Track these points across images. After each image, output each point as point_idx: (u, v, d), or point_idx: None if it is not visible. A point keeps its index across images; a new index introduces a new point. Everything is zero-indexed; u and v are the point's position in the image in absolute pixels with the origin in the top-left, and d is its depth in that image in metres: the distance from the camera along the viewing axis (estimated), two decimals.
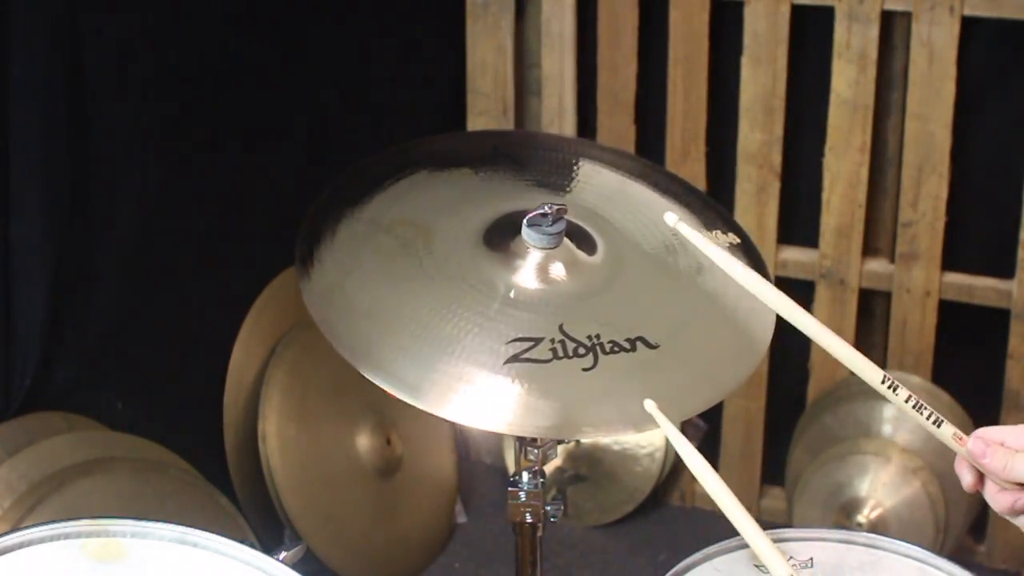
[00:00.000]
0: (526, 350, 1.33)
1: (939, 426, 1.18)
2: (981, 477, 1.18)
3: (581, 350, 1.34)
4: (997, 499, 1.17)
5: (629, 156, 1.72)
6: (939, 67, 2.52)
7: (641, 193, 1.58)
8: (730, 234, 1.54)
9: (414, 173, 1.54)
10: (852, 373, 1.24)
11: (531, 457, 1.49)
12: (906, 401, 1.19)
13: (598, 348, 1.35)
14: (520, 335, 1.34)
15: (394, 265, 1.41)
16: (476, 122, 2.90)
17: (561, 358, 1.33)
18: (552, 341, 1.34)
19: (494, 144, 1.64)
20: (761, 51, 2.63)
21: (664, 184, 1.60)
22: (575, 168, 1.59)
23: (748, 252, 1.53)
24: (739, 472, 2.89)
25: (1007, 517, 1.18)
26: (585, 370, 1.33)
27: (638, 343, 1.36)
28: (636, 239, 1.49)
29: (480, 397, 1.30)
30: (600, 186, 1.57)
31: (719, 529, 3.03)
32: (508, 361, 1.32)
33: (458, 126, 2.92)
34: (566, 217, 1.44)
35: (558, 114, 2.84)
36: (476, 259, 1.43)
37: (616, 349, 1.35)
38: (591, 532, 2.87)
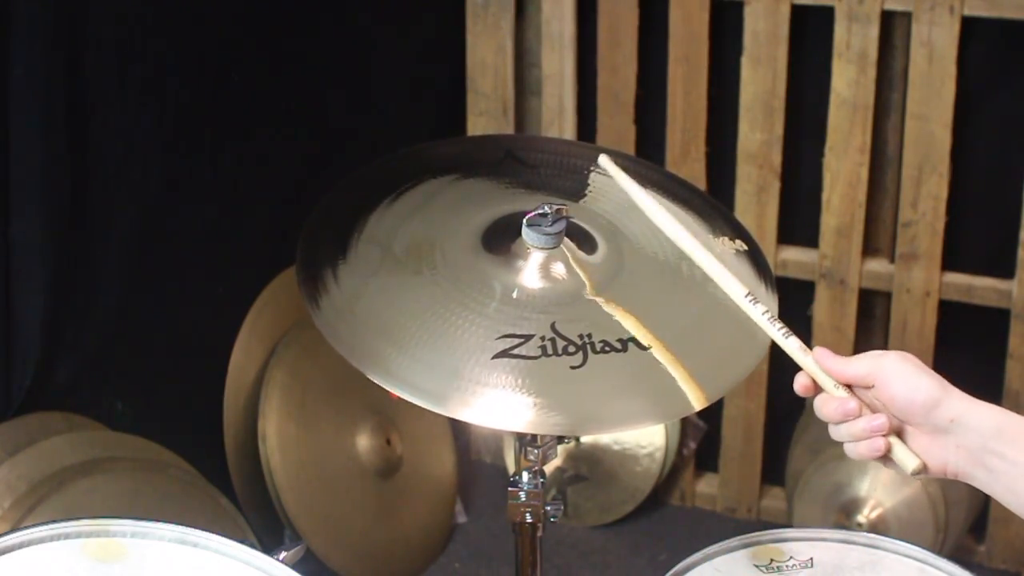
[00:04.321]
0: (515, 346, 1.34)
1: (787, 338, 1.31)
2: (814, 388, 1.29)
3: (571, 348, 1.35)
4: (825, 408, 1.27)
5: (636, 160, 1.72)
6: (939, 67, 2.52)
7: (652, 198, 1.58)
8: (738, 241, 1.54)
9: (420, 183, 1.54)
10: None
11: (531, 457, 1.49)
12: (763, 314, 1.33)
13: (588, 347, 1.36)
14: (510, 332, 1.35)
15: (405, 284, 1.41)
16: (476, 122, 2.90)
17: (550, 355, 1.34)
18: (542, 339, 1.35)
19: (506, 149, 1.65)
20: (761, 51, 2.63)
21: (673, 190, 1.61)
22: (588, 174, 1.59)
23: (755, 259, 1.53)
24: (739, 472, 2.89)
25: (833, 428, 1.28)
26: (573, 368, 1.34)
27: (629, 344, 1.37)
28: (648, 245, 1.49)
29: (484, 396, 1.31)
30: (613, 192, 1.57)
31: (719, 529, 3.05)
32: (496, 356, 1.33)
33: (458, 126, 2.92)
34: (570, 218, 1.44)
35: (558, 114, 2.84)
36: (480, 262, 1.43)
37: (607, 349, 1.36)
38: (591, 532, 2.87)
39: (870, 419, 1.24)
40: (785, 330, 1.32)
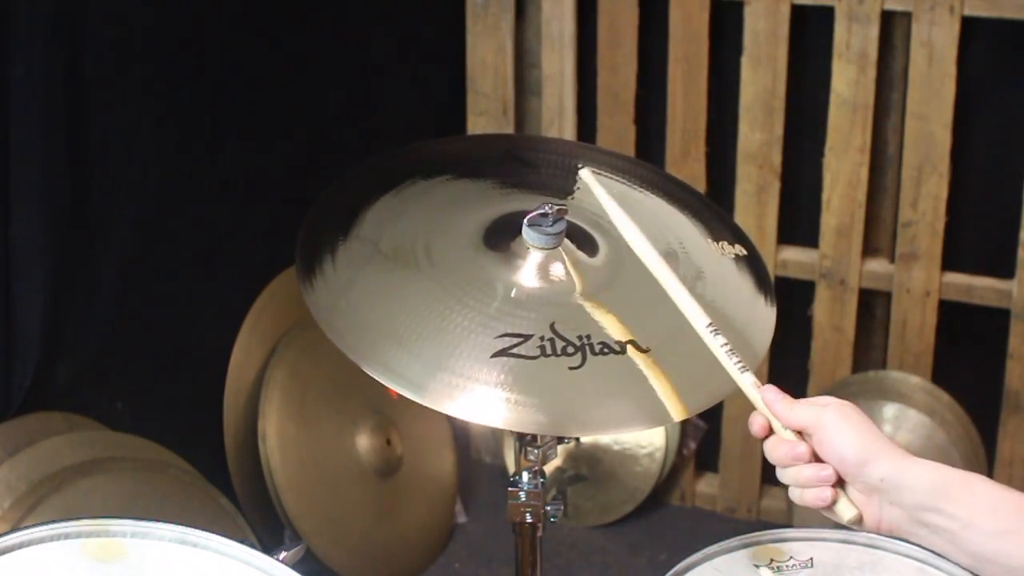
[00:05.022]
0: (514, 345, 1.34)
1: (743, 372, 1.30)
2: (770, 430, 1.28)
3: (570, 349, 1.35)
4: (776, 452, 1.26)
5: (637, 162, 1.72)
6: (939, 67, 2.52)
7: (648, 200, 1.58)
8: (737, 245, 1.54)
9: (420, 181, 1.55)
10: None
11: (531, 457, 1.49)
12: (721, 346, 1.31)
13: (587, 348, 1.36)
14: (509, 331, 1.35)
15: (405, 281, 1.41)
16: (476, 122, 2.90)
17: (549, 356, 1.34)
18: (541, 339, 1.35)
19: (507, 148, 1.65)
20: (761, 51, 2.63)
21: (673, 192, 1.61)
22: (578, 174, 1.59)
23: (754, 263, 1.53)
24: (739, 472, 2.89)
25: (780, 471, 1.27)
26: (572, 369, 1.34)
27: (628, 346, 1.37)
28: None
29: (478, 393, 1.31)
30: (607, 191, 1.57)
31: (719, 529, 3.05)
32: (495, 355, 1.33)
33: (458, 126, 2.92)
34: (568, 218, 1.44)
35: (558, 114, 2.84)
36: (479, 260, 1.44)
37: (605, 351, 1.35)
38: (591, 532, 2.87)
39: (818, 468, 1.24)
40: (742, 365, 1.31)
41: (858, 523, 1.24)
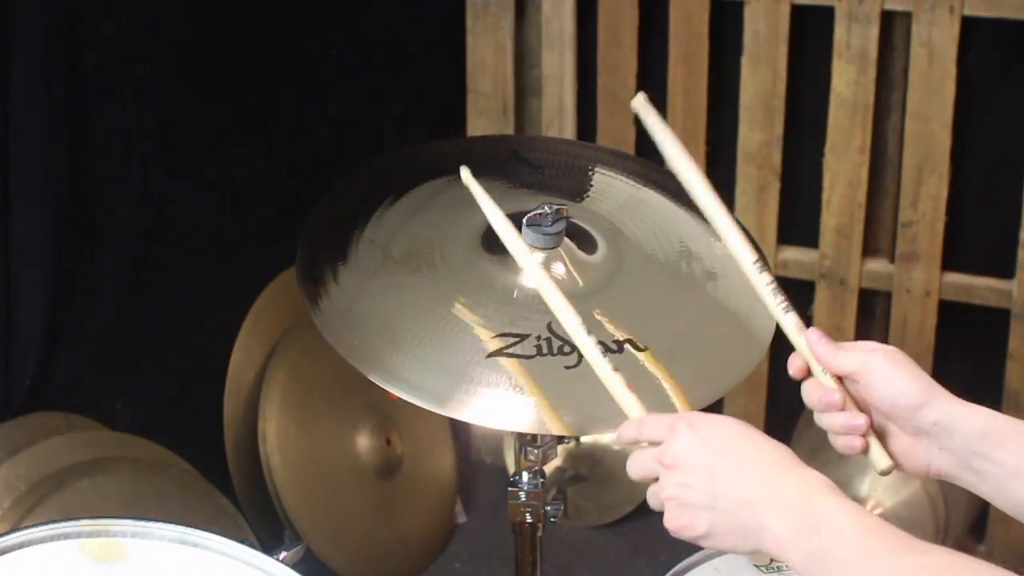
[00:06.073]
0: (510, 345, 1.34)
1: (787, 313, 1.27)
2: (808, 371, 1.26)
3: (567, 348, 1.35)
4: (811, 395, 1.25)
5: (641, 161, 1.72)
6: (939, 67, 2.52)
7: (655, 200, 1.58)
8: None
9: (422, 183, 1.54)
10: None
11: (531, 457, 1.49)
12: (767, 284, 1.29)
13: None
14: (506, 331, 1.35)
15: (405, 283, 1.41)
16: (476, 122, 2.90)
17: (545, 355, 1.34)
18: (538, 338, 1.35)
19: (513, 149, 1.65)
20: (761, 51, 2.63)
21: (673, 189, 1.60)
22: (590, 175, 1.59)
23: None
24: None
25: (816, 415, 1.26)
26: (568, 368, 1.34)
27: (626, 345, 1.37)
28: (648, 246, 1.49)
29: (481, 395, 1.31)
30: (615, 193, 1.57)
31: None
32: (491, 355, 1.33)
33: (458, 126, 2.92)
34: (569, 218, 1.44)
35: (558, 114, 2.84)
36: (480, 262, 1.44)
37: (603, 350, 1.35)
38: (591, 532, 2.87)
39: (850, 417, 1.23)
40: (786, 305, 1.28)
41: (890, 473, 1.24)
